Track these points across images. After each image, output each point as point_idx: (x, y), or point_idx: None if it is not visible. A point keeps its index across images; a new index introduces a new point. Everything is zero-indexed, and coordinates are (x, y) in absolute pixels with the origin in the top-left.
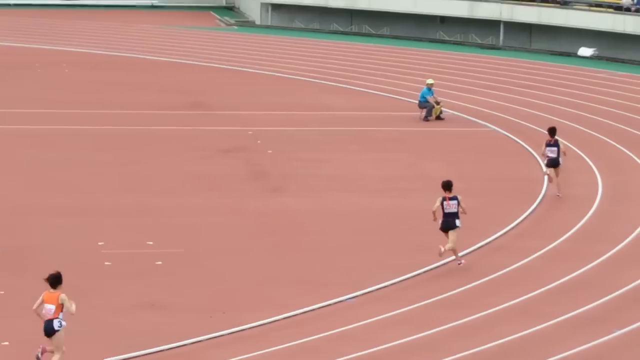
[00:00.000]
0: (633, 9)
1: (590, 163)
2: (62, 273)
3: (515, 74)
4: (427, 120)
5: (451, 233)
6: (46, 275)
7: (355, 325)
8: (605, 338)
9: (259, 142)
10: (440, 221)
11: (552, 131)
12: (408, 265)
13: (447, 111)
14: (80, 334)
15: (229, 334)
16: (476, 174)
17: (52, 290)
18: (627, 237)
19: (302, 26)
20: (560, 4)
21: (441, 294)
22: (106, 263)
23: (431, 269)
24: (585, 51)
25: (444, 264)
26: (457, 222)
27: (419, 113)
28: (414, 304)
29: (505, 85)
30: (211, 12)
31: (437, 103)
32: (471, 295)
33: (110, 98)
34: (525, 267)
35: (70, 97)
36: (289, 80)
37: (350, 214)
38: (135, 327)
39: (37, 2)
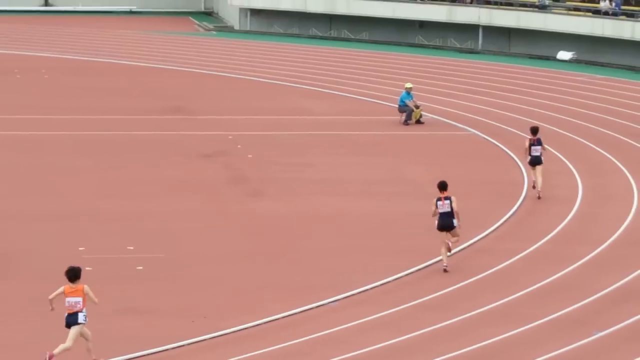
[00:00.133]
0: (611, 12)
1: (570, 166)
2: (43, 278)
3: (495, 78)
4: (407, 124)
5: (452, 232)
6: (63, 271)
7: (337, 329)
8: (585, 340)
9: (239, 146)
10: (436, 221)
11: (534, 130)
12: (390, 269)
13: (427, 115)
14: (61, 340)
15: (211, 338)
16: (457, 178)
17: (71, 284)
18: (608, 239)
19: (281, 31)
20: (539, 8)
21: (423, 297)
22: (87, 268)
23: (413, 272)
24: (564, 55)
25: (426, 266)
26: (454, 221)
27: (399, 117)
28: (395, 307)
29: (484, 89)
30: (190, 18)
31: (417, 107)
32: (452, 297)
33: (90, 103)
34: (506, 269)
35: (50, 103)
36: (269, 85)
37: (332, 217)
38: (117, 333)
39: (15, 8)
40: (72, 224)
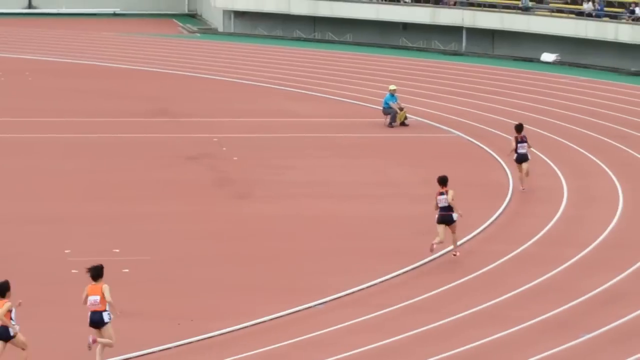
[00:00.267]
0: (594, 14)
1: (555, 168)
2: (29, 281)
3: (478, 80)
4: (392, 127)
5: (451, 227)
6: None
7: (324, 331)
8: (573, 342)
9: (224, 149)
10: (436, 215)
11: (519, 128)
12: (376, 271)
13: (411, 117)
14: (47, 343)
15: (197, 341)
16: None
17: (94, 282)
18: (593, 241)
19: (265, 33)
20: (523, 10)
21: (410, 299)
22: (73, 271)
23: (399, 274)
24: (547, 56)
25: (413, 268)
26: (454, 215)
27: (384, 119)
28: (382, 309)
29: (468, 91)
30: (174, 20)
31: (401, 109)
32: (439, 300)
33: (74, 106)
34: (494, 271)
35: (35, 105)
36: (253, 87)
37: (318, 220)
38: None
39: None
40: (58, 226)
